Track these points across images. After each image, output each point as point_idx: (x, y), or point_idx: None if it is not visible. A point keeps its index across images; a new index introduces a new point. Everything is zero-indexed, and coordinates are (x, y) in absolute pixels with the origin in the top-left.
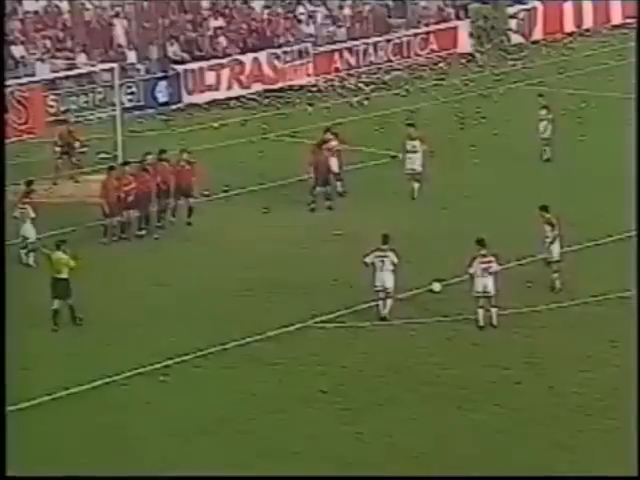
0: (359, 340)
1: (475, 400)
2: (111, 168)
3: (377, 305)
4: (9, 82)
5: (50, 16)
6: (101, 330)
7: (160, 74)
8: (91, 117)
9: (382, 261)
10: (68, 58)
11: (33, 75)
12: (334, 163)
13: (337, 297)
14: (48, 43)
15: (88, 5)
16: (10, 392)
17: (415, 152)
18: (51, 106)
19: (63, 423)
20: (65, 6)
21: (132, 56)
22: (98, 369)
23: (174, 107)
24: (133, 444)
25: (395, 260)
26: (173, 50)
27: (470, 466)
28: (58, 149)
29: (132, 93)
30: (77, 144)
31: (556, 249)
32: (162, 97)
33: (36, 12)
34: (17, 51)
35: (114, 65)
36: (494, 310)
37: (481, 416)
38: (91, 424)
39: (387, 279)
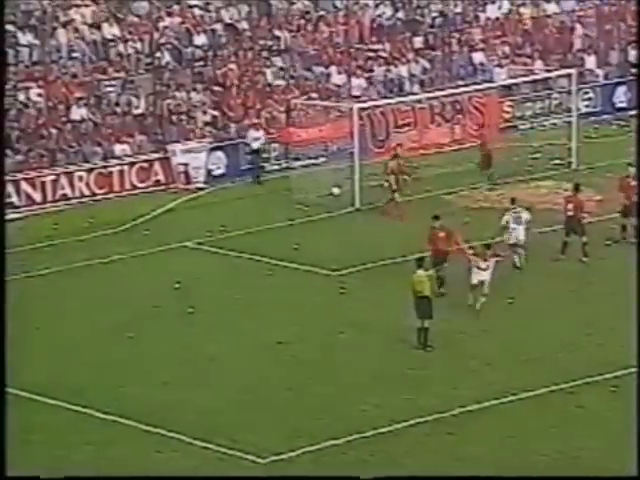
0: None
1: None
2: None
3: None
4: (467, 88)
5: (511, 22)
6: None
7: (619, 79)
8: (545, 123)
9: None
10: (525, 64)
11: (491, 81)
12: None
13: None
14: (507, 49)
15: (550, 10)
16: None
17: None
18: (507, 112)
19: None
20: (527, 12)
21: (591, 61)
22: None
23: (632, 113)
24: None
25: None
26: (635, 54)
27: None
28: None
29: (589, 99)
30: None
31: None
32: (620, 103)
33: (497, 18)
34: (477, 57)
35: (572, 71)
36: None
37: None
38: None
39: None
